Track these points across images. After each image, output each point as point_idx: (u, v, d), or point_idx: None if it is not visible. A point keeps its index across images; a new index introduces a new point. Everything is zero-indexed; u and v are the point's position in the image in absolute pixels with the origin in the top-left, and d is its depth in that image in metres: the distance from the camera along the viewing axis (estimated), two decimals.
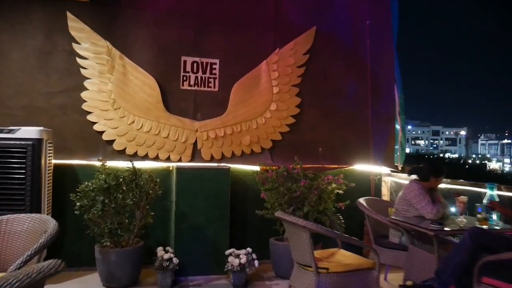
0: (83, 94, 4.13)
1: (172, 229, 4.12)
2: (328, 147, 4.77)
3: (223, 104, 4.50)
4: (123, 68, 4.20)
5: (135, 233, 3.53)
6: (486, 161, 69.25)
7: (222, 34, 4.54)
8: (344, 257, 2.91)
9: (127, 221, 3.52)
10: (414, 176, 3.68)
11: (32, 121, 3.97)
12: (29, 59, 4.10)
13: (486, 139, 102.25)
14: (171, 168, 4.28)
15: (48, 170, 3.65)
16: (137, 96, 4.23)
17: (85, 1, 4.13)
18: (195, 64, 4.44)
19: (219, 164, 4.36)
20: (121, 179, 3.38)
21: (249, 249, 3.81)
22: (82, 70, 4.14)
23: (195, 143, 4.38)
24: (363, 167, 4.84)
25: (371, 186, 4.80)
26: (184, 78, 4.42)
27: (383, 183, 5.02)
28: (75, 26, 4.15)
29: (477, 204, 3.30)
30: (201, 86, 4.45)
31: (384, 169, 4.94)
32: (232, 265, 3.57)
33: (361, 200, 3.69)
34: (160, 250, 3.69)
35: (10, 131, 3.42)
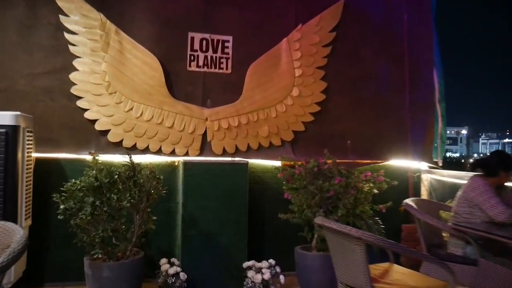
0: (72, 76, 3.45)
1: (178, 236, 3.45)
2: (358, 140, 4.10)
3: (237, 88, 3.83)
4: (120, 45, 3.54)
5: (133, 242, 2.86)
6: None
7: (236, 6, 3.87)
8: (404, 276, 2.25)
9: (123, 227, 2.84)
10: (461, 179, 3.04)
11: (11, 108, 3.31)
12: (7, 33, 3.42)
13: (487, 138, 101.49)
14: (176, 164, 3.61)
15: (27, 165, 2.99)
16: (136, 78, 3.57)
17: None
18: (204, 42, 3.77)
19: (233, 158, 3.71)
20: (116, 176, 2.71)
21: (271, 261, 3.16)
22: (71, 48, 3.46)
23: (204, 134, 3.72)
24: (399, 162, 4.18)
25: (409, 185, 4.15)
26: (192, 57, 3.74)
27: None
28: None
29: None
30: (211, 68, 3.79)
31: (422, 165, 4.28)
32: (253, 281, 2.91)
33: (409, 201, 3.03)
34: (164, 263, 3.03)
35: None
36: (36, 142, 3.33)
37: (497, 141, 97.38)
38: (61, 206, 2.65)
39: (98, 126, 3.50)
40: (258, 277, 2.89)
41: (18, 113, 2.89)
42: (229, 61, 3.82)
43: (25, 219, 2.94)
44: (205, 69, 3.77)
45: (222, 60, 3.81)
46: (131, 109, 3.55)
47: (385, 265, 2.43)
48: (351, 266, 2.06)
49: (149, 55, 3.60)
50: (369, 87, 4.14)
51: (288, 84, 3.90)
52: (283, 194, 3.40)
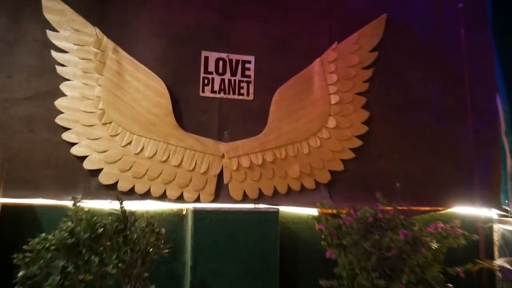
0: (59, 102, 2.79)
1: None
2: (409, 181, 3.29)
3: (260, 118, 3.10)
4: (118, 65, 2.92)
5: None
6: None
7: (259, 21, 3.23)
8: None
9: None
10: None
11: None
12: None
13: None
14: (184, 212, 2.83)
15: None
16: (137, 105, 2.90)
17: None
18: (221, 62, 3.14)
19: (256, 205, 2.94)
20: (100, 230, 1.97)
21: None
22: (58, 68, 2.82)
23: (220, 175, 2.95)
24: (462, 209, 3.36)
25: (480, 239, 3.29)
26: (206, 81, 3.09)
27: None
28: (52, 6, 2.87)
29: None
30: (229, 93, 3.12)
31: (493, 213, 3.44)
32: None
33: (504, 263, 2.20)
34: None
35: None
36: (8, 184, 2.63)
37: None
38: (20, 273, 1.88)
39: (87, 165, 2.79)
40: None
41: None
42: (251, 86, 3.15)
43: None
44: (222, 95, 3.09)
45: (242, 84, 3.14)
46: (130, 143, 2.85)
47: None
48: None
49: (154, 78, 2.94)
50: (420, 117, 3.39)
51: (322, 114, 3.19)
52: (323, 252, 2.59)
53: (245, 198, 2.96)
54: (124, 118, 2.83)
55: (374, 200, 2.88)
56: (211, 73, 3.07)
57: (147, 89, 2.90)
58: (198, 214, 2.44)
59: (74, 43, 2.87)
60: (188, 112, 3.00)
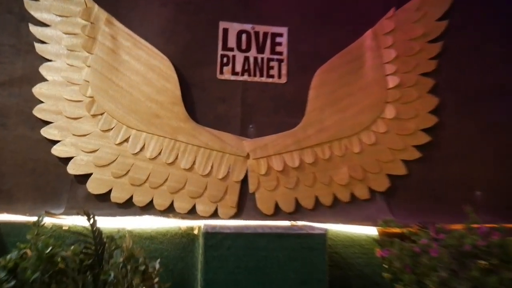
0: (38, 89, 2.16)
1: None
2: (493, 189, 2.51)
3: (296, 107, 2.35)
4: (112, 41, 2.26)
5: None
6: None
7: None
8: None
9: None
10: None
11: None
12: None
13: None
14: (196, 232, 2.06)
15: None
16: (137, 91, 2.21)
17: None
18: (244, 36, 2.41)
19: (293, 222, 2.23)
20: (61, 264, 1.30)
21: None
22: (38, 47, 2.20)
23: (244, 182, 2.23)
24: None
25: None
26: (225, 60, 2.37)
27: None
28: None
29: None
30: (255, 75, 2.38)
31: None
32: None
33: None
34: None
35: None
36: None
37: None
38: None
39: (73, 169, 2.14)
40: None
41: None
42: (283, 66, 2.43)
43: None
44: (246, 77, 2.38)
45: (272, 63, 2.42)
46: (126, 140, 2.19)
47: None
48: None
49: (158, 56, 2.27)
50: (505, 105, 2.60)
51: (377, 101, 2.44)
52: None
53: (277, 212, 2.24)
54: (119, 108, 2.18)
55: (447, 214, 2.17)
56: (231, 49, 2.37)
57: (149, 70, 2.24)
58: (210, 238, 1.70)
59: (58, 13, 2.24)
60: (202, 100, 2.29)
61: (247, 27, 2.39)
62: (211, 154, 2.18)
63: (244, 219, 2.18)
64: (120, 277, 1.24)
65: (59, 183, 2.14)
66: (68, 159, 2.13)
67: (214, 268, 1.64)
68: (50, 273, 1.21)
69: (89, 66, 2.18)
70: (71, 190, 2.14)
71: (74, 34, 2.22)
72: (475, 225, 1.83)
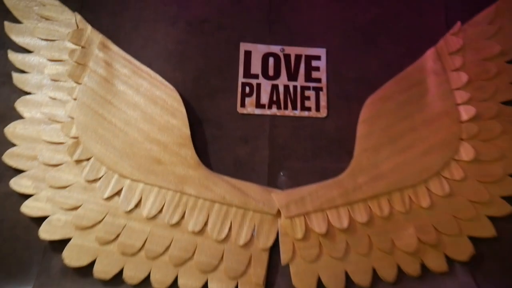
0: (11, 129, 1.68)
1: None
2: None
3: (340, 147, 1.78)
4: (107, 68, 1.82)
5: None
6: None
7: None
8: None
9: None
10: None
11: None
12: None
13: None
14: None
15: None
16: (133, 130, 1.70)
17: None
18: (271, 60, 1.90)
19: None
20: None
21: None
22: (16, 76, 1.75)
23: (274, 249, 1.60)
24: None
25: None
26: (247, 89, 1.85)
27: None
28: None
29: None
30: (286, 108, 1.84)
31: None
32: None
33: None
34: None
35: None
36: None
37: None
38: None
39: (46, 232, 1.61)
40: None
41: None
42: (322, 95, 1.89)
43: None
44: (274, 110, 1.84)
45: (308, 93, 1.90)
46: (118, 193, 1.66)
47: None
48: None
49: (162, 85, 1.80)
50: None
51: (449, 138, 1.85)
52: None
53: None
54: (110, 152, 1.68)
55: None
56: (255, 76, 1.88)
57: (150, 103, 1.76)
58: None
59: (43, 37, 1.83)
60: (218, 140, 1.76)
61: (275, 48, 1.91)
62: (229, 212, 1.62)
63: None
64: None
65: (29, 252, 1.61)
66: (42, 219, 1.61)
67: None
68: None
69: (75, 99, 1.73)
70: (44, 261, 1.60)
71: (61, 60, 1.79)
72: None
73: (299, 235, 1.60)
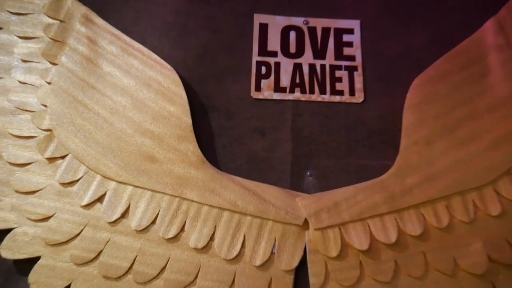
0: None
1: None
2: None
3: (382, 140, 1.41)
4: (90, 45, 1.45)
5: None
6: None
7: None
8: None
9: None
10: None
11: None
12: None
13: None
14: None
15: None
16: (121, 120, 1.34)
17: None
18: (292, 34, 1.55)
19: None
20: None
21: None
22: None
23: (301, 270, 1.22)
24: None
25: None
26: (264, 70, 1.49)
27: None
28: None
29: None
30: (312, 92, 1.46)
31: None
32: None
33: None
34: None
35: None
36: None
37: None
38: None
39: (9, 250, 1.27)
40: None
41: None
42: (357, 76, 1.51)
43: None
44: (298, 95, 1.47)
45: (339, 73, 1.52)
46: (100, 198, 1.29)
47: None
48: None
49: (157, 65, 1.43)
50: None
51: None
52: None
53: None
54: (91, 147, 1.34)
55: None
56: (273, 54, 1.51)
57: (142, 86, 1.41)
58: None
59: (13, 10, 1.51)
60: (228, 132, 1.44)
61: (297, 21, 1.56)
62: (242, 223, 1.26)
63: None
64: None
65: None
66: (5, 233, 1.28)
67: None
68: None
69: (50, 83, 1.40)
70: (6, 286, 1.27)
71: (34, 37, 1.46)
72: None
73: (334, 252, 1.23)
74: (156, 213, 1.25)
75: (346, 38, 1.53)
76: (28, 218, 1.25)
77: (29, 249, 1.23)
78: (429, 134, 1.38)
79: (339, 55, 1.50)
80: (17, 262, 1.25)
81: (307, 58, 1.49)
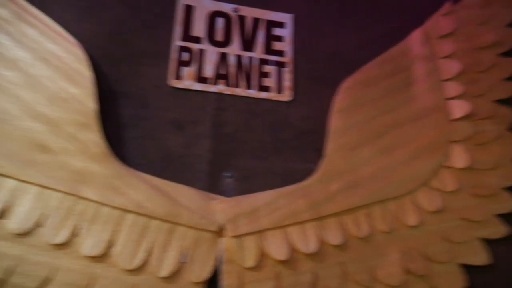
0: None
1: None
2: None
3: (307, 142, 1.34)
4: None
5: None
6: None
7: None
8: None
9: None
10: None
11: None
12: None
13: None
14: None
15: None
16: (6, 99, 1.07)
17: None
18: (220, 21, 1.41)
19: None
20: None
21: None
22: None
23: (213, 282, 1.15)
24: None
25: None
26: (185, 56, 1.32)
27: None
28: None
29: None
30: (237, 85, 1.34)
31: None
32: None
33: None
34: None
35: None
36: None
37: None
38: None
39: None
40: None
41: None
42: (286, 72, 1.42)
43: None
44: (221, 87, 1.33)
45: (267, 68, 1.41)
46: None
47: None
48: None
49: (59, 37, 1.22)
50: None
51: (438, 139, 1.48)
52: None
53: None
54: None
55: None
56: (197, 40, 1.36)
57: (38, 60, 1.18)
58: None
59: None
60: (140, 123, 1.27)
61: (226, 7, 1.43)
62: (148, 227, 1.10)
63: None
64: None
65: None
66: None
67: None
68: None
69: None
70: None
71: None
72: None
73: (250, 262, 1.12)
74: (44, 213, 1.04)
75: (277, 31, 1.43)
76: None
77: None
78: (355, 139, 1.34)
79: (268, 49, 1.40)
80: None
81: (234, 48, 1.37)
